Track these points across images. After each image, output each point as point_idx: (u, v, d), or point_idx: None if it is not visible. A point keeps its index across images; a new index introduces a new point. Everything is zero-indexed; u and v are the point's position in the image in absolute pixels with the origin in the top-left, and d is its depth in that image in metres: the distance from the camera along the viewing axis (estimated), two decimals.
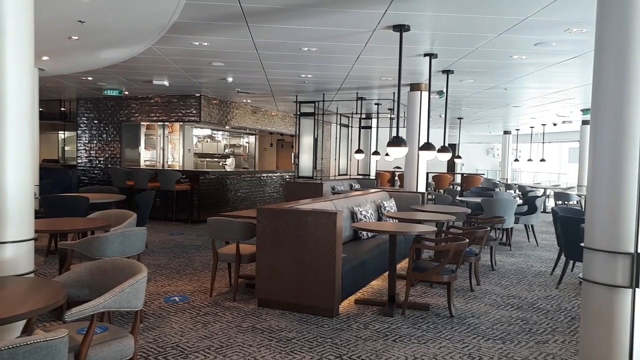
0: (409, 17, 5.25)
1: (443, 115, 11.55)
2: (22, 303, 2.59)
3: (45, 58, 7.60)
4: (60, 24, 5.72)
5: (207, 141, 15.57)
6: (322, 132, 13.31)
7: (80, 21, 5.51)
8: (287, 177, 14.07)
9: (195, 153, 13.95)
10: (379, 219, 7.03)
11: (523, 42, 6.09)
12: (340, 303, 4.88)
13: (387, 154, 9.11)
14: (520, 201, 9.76)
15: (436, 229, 5.40)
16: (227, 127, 13.67)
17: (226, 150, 16.48)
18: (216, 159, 15.97)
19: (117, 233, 4.15)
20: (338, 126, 14.71)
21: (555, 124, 16.50)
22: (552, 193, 14.46)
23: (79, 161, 13.26)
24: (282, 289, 4.85)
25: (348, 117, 14.95)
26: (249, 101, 13.17)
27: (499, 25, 5.42)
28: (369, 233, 6.30)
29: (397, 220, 6.09)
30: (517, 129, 19.60)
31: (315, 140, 12.75)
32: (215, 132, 15.58)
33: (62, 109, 14.77)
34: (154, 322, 4.46)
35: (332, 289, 4.64)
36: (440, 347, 4.06)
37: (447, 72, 7.96)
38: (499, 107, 12.96)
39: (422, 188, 9.28)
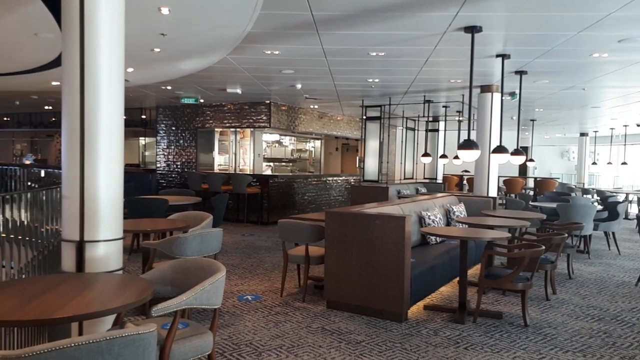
0: (481, 18, 5.14)
1: (515, 118, 11.12)
2: (114, 298, 2.74)
3: (130, 70, 8.14)
4: (145, 38, 6.10)
5: (275, 146, 15.98)
6: (388, 135, 13.24)
7: (162, 34, 5.86)
8: (352, 180, 14.12)
9: (264, 157, 14.36)
10: (448, 223, 6.91)
11: (605, 39, 5.77)
12: (409, 308, 4.85)
13: (456, 157, 8.95)
14: (599, 207, 9.19)
15: (509, 235, 5.22)
16: (294, 132, 13.96)
17: (293, 155, 16.82)
18: (284, 164, 16.36)
19: (196, 234, 4.38)
20: (404, 129, 14.56)
21: (638, 125, 15.41)
22: (636, 198, 13.46)
23: (158, 165, 14.02)
24: (350, 292, 4.90)
25: (414, 120, 14.75)
26: (315, 107, 13.37)
27: (578, 22, 5.18)
28: (438, 238, 6.21)
29: (467, 226, 5.96)
30: (595, 131, 18.46)
31: (381, 144, 12.71)
32: (283, 137, 15.96)
33: (143, 116, 15.75)
34: (228, 319, 4.66)
35: (401, 293, 4.63)
36: (514, 357, 3.94)
37: (521, 72, 7.69)
38: (576, 108, 12.29)
39: (493, 192, 9.00)
